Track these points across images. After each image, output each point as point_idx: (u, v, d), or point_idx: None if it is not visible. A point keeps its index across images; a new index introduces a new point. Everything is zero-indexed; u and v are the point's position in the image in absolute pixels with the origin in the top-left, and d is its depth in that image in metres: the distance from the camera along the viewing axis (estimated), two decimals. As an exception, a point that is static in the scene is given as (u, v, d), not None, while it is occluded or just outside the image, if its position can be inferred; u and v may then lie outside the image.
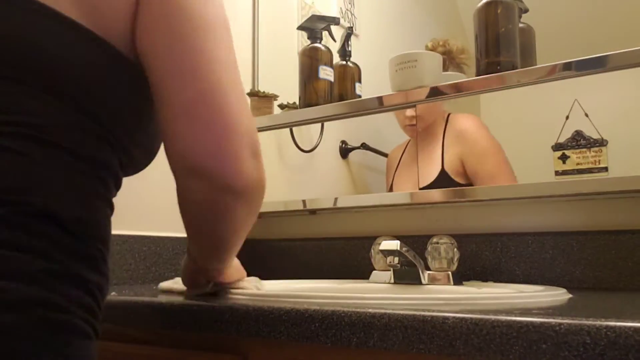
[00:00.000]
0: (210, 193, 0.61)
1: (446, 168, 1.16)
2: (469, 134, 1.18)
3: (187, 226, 0.68)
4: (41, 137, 0.52)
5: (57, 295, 0.50)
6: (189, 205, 0.65)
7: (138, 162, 0.66)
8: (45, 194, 0.52)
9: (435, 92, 1.13)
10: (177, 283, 0.93)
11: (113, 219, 0.61)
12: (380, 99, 1.21)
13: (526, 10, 1.13)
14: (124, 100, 0.60)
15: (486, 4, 1.08)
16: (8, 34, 0.53)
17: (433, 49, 1.25)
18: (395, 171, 1.25)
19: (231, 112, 0.59)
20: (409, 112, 1.20)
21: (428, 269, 1.01)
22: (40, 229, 0.51)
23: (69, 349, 0.50)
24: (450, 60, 1.26)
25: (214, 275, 0.81)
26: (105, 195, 0.59)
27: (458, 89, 1.10)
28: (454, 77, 1.17)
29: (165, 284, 0.97)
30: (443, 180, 1.15)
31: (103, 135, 0.57)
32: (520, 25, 1.10)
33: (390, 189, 1.24)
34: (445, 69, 1.22)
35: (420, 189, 1.15)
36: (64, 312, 0.50)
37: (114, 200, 0.62)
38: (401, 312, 0.60)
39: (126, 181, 0.65)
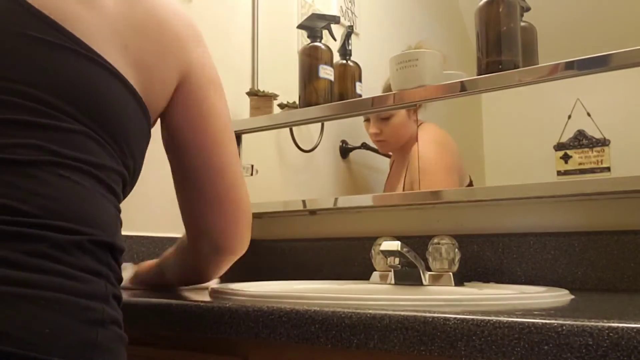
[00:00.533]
0: (217, 256, 0.84)
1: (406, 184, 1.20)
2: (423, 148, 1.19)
3: (181, 265, 0.90)
4: (98, 175, 0.61)
5: (119, 314, 0.59)
6: (194, 258, 0.86)
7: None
8: (104, 227, 0.60)
9: (436, 92, 1.12)
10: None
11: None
12: (380, 98, 1.20)
13: (528, 9, 1.13)
14: (142, 155, 0.72)
15: (488, 2, 1.08)
16: (84, 81, 0.62)
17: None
18: (387, 178, 1.27)
19: (244, 202, 0.81)
20: (372, 129, 1.26)
21: (429, 269, 1.01)
22: (104, 257, 0.59)
23: (125, 357, 0.59)
24: None
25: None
26: (117, 207, 0.67)
27: (459, 88, 1.10)
28: (455, 76, 1.17)
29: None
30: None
31: (128, 180, 0.68)
32: (522, 24, 1.10)
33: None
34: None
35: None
36: (121, 328, 0.59)
37: None
38: (402, 313, 0.59)
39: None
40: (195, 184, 0.78)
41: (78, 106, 0.61)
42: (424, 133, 1.18)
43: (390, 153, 1.28)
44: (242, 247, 0.83)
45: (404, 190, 1.20)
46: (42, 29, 0.61)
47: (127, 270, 0.98)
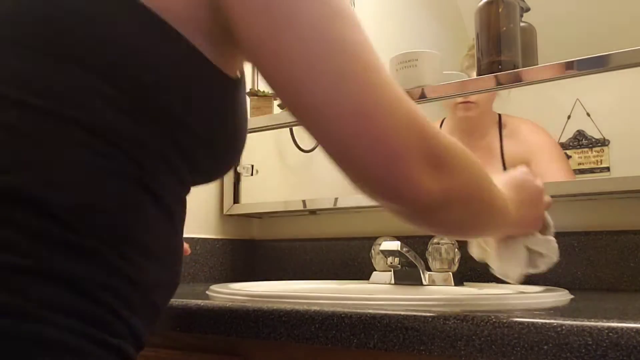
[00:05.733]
0: (398, 211, 0.56)
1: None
2: (534, 141, 1.12)
3: None
4: (51, 109, 0.45)
5: (20, 297, 0.41)
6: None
7: (200, 163, 0.55)
8: (30, 175, 0.44)
9: (436, 92, 1.12)
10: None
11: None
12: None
13: (527, 9, 1.13)
14: (181, 80, 0.50)
15: (487, 3, 1.08)
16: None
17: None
18: None
19: (394, 133, 0.48)
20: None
21: (429, 269, 1.01)
22: (12, 215, 0.42)
23: None
24: None
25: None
26: (141, 181, 0.48)
27: (459, 88, 1.10)
28: (454, 76, 1.17)
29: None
30: None
31: (145, 110, 0.48)
32: (522, 24, 1.10)
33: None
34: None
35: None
36: (29, 318, 0.40)
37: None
38: (402, 313, 0.59)
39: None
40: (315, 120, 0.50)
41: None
42: (516, 120, 1.15)
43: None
44: (417, 198, 0.51)
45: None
46: None
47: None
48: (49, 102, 0.45)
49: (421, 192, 0.50)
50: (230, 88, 0.55)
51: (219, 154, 0.58)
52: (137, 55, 0.48)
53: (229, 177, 1.39)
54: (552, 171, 1.08)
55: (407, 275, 1.00)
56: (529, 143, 1.12)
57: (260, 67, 0.50)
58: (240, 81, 0.58)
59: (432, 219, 0.56)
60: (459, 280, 1.00)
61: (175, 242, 0.54)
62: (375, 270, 1.09)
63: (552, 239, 0.75)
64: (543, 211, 0.75)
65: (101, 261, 0.45)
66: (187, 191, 0.56)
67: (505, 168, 1.12)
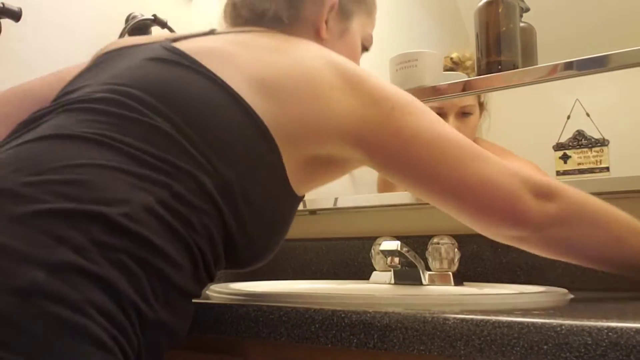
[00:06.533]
0: (521, 238, 0.73)
1: None
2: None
3: None
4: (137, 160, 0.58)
5: (72, 290, 0.48)
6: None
7: (241, 248, 0.66)
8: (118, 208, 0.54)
9: (436, 92, 1.12)
10: None
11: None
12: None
13: (527, 10, 1.13)
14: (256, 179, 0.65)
15: (487, 3, 1.08)
16: (178, 84, 0.64)
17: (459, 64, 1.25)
18: None
19: (488, 198, 0.69)
20: (450, 124, 1.15)
21: (429, 269, 1.01)
22: (90, 228, 0.51)
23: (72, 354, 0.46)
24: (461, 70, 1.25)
25: None
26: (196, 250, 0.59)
27: (459, 88, 1.10)
28: (454, 77, 1.17)
29: None
30: None
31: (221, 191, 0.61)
32: (521, 24, 1.10)
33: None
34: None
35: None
36: (75, 310, 0.47)
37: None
38: (402, 312, 0.59)
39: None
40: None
41: (165, 102, 0.61)
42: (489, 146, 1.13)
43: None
44: (526, 225, 0.70)
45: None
46: (165, 54, 0.68)
47: None
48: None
49: (532, 214, 0.68)
50: (295, 204, 0.72)
51: (260, 253, 0.71)
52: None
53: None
54: None
55: (407, 275, 1.00)
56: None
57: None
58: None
59: (547, 237, 0.71)
60: (459, 280, 1.00)
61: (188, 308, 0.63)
62: (375, 270, 1.09)
63: None
64: None
65: (135, 281, 0.53)
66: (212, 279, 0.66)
67: None
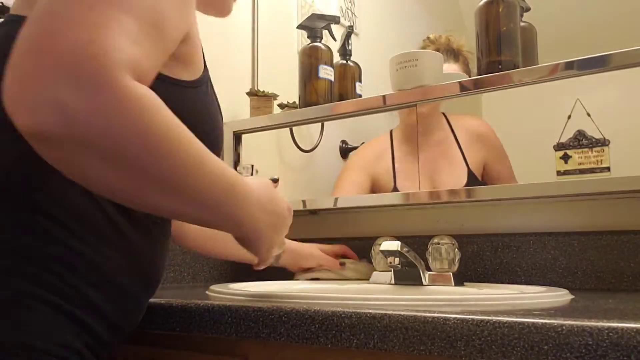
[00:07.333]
0: (37, 148, 0.44)
1: (472, 169, 1.15)
2: (490, 137, 1.16)
3: None
4: None
5: None
6: None
7: None
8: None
9: (436, 92, 1.12)
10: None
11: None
12: (380, 98, 1.20)
13: (528, 9, 1.13)
14: None
15: (487, 2, 1.08)
16: None
17: (434, 43, 1.26)
18: (395, 170, 1.24)
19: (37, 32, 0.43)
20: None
21: (429, 269, 1.01)
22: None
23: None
24: (454, 56, 1.25)
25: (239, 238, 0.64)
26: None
27: (459, 88, 1.10)
28: (454, 76, 1.17)
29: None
30: (473, 182, 1.14)
31: None
32: (522, 24, 1.10)
33: (395, 189, 1.22)
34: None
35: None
36: None
37: None
38: (402, 313, 0.59)
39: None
40: None
41: None
42: (479, 123, 1.17)
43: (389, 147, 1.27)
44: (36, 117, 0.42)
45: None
46: None
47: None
48: None
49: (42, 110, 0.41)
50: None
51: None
52: None
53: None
54: (505, 173, 1.12)
55: (407, 275, 1.00)
56: (493, 147, 1.15)
57: None
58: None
59: (57, 151, 0.44)
60: (459, 280, 1.00)
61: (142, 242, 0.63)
62: (375, 270, 1.09)
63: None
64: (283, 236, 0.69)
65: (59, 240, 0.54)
66: None
67: (470, 170, 1.15)
